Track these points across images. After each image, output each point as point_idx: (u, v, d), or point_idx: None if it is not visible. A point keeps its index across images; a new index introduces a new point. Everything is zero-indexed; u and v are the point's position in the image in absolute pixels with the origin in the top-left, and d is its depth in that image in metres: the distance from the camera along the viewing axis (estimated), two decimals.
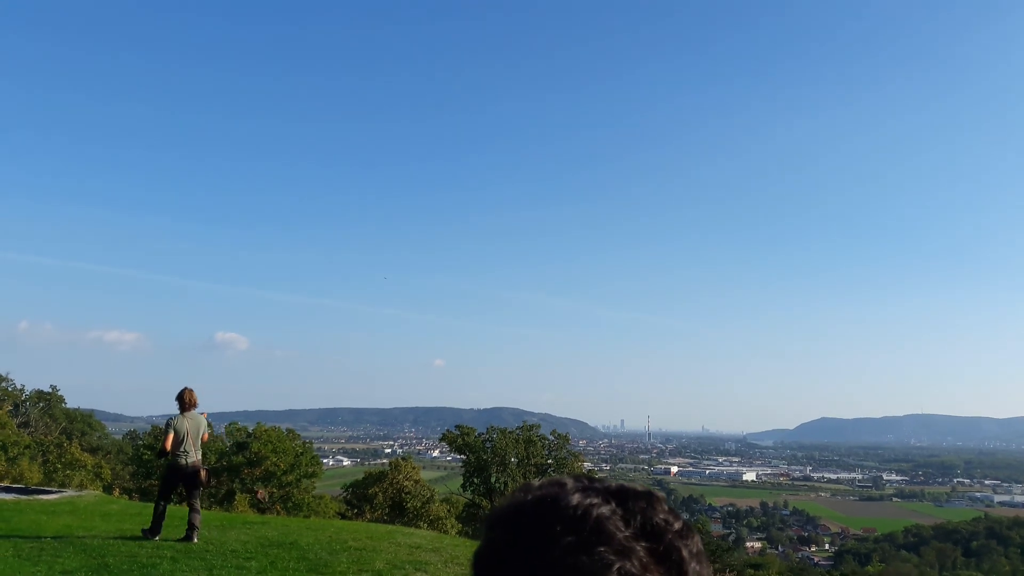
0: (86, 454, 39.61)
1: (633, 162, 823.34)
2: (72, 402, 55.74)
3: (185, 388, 12.87)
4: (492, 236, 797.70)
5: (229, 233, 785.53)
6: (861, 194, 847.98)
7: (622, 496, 1.38)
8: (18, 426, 44.54)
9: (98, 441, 52.46)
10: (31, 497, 17.75)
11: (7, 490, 20.27)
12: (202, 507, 13.36)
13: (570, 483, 1.38)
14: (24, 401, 49.92)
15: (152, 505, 13.51)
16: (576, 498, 1.38)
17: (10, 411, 45.91)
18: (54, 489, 21.95)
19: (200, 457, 12.86)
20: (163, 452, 12.92)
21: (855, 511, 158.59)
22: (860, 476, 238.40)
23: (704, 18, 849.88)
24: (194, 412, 12.85)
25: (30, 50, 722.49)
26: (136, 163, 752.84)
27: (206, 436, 13.24)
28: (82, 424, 52.96)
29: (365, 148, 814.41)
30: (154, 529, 12.61)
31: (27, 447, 38.45)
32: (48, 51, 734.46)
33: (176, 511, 14.39)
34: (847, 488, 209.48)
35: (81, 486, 29.44)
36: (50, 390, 51.63)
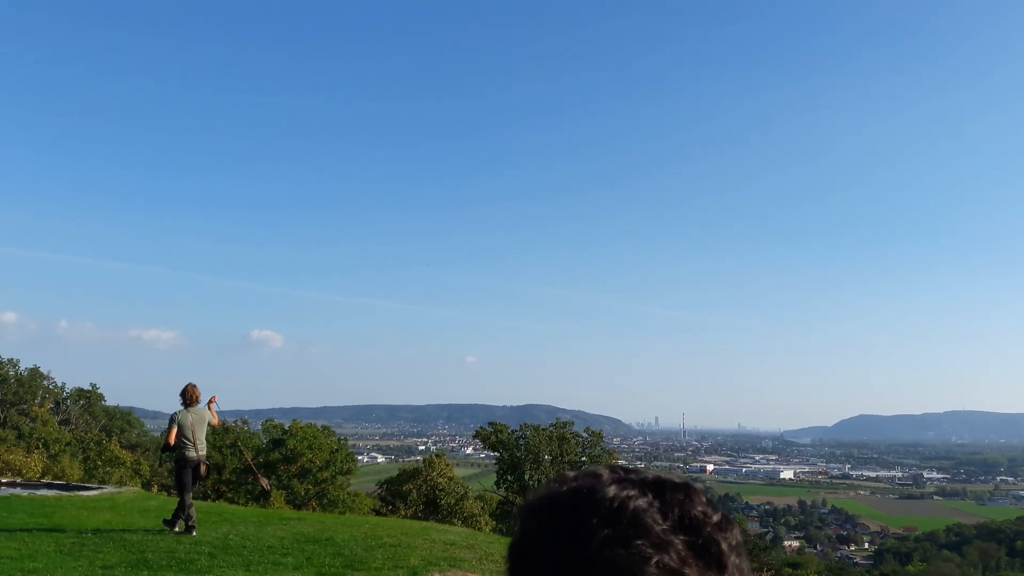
0: (125, 451, 40.26)
1: (664, 153, 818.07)
2: (111, 400, 56.74)
3: (188, 384, 13.33)
4: (524, 230, 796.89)
5: (263, 232, 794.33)
6: (899, 183, 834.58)
7: (659, 488, 1.35)
8: (59, 423, 45.44)
9: (137, 438, 53.28)
10: (72, 493, 18.05)
11: (49, 486, 20.67)
12: (241, 503, 13.57)
13: (606, 474, 1.35)
14: (65, 399, 50.88)
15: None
16: (612, 490, 1.34)
17: (51, 409, 46.86)
18: (94, 485, 22.33)
19: (204, 451, 13.26)
20: (167, 446, 13.36)
21: (895, 510, 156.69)
22: (900, 474, 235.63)
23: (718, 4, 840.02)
24: (198, 406, 13.28)
25: (43, 28, 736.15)
26: (171, 163, 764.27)
27: (215, 421, 13.76)
28: (121, 421, 53.83)
29: (396, 144, 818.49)
30: (188, 527, 12.83)
31: (68, 444, 39.24)
32: (68, 34, 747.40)
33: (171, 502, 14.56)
34: (887, 486, 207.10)
35: (120, 482, 29.91)
36: (90, 388, 52.54)
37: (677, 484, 1.35)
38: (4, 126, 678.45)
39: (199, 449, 12.98)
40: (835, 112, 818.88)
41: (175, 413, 13.16)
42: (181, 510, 12.95)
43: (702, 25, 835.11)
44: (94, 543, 11.62)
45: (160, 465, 35.95)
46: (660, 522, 1.35)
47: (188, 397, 13.13)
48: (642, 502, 1.34)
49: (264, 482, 13.76)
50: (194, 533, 12.65)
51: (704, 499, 1.35)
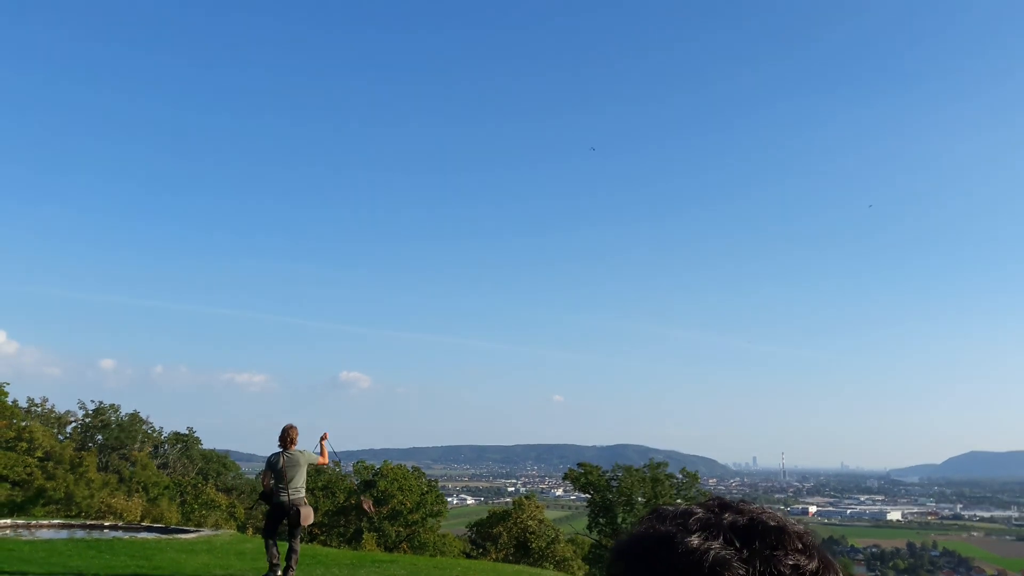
0: (220, 494, 41.03)
1: (745, 181, 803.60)
2: (208, 443, 57.94)
3: (286, 424, 12.94)
4: (608, 265, 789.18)
5: (347, 273, 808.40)
6: (995, 201, 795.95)
7: (749, 535, 1.31)
8: (158, 467, 46.74)
9: (232, 481, 54.29)
10: (171, 536, 18.27)
11: (148, 529, 21.06)
12: (333, 546, 13.25)
13: (697, 515, 1.33)
14: (163, 443, 52.34)
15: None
16: (696, 540, 1.32)
17: (150, 453, 48.27)
18: (192, 528, 22.61)
19: (303, 495, 12.79)
20: (264, 492, 13.09)
21: (1013, 552, 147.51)
22: (1017, 514, 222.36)
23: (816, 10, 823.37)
24: (294, 449, 12.82)
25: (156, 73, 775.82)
26: (257, 212, 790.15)
27: (320, 460, 13.26)
28: (217, 465, 54.98)
29: (483, 182, 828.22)
30: (271, 567, 12.53)
31: (166, 488, 40.22)
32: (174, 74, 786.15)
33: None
34: (1002, 527, 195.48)
35: (216, 525, 30.31)
36: (187, 432, 53.91)
37: (770, 528, 1.30)
38: (103, 177, 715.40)
39: (290, 494, 12.54)
40: (942, 126, 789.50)
41: (269, 456, 12.97)
42: (286, 556, 12.67)
43: (789, 42, 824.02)
44: None
45: (251, 509, 36.33)
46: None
47: (282, 439, 12.85)
48: (725, 553, 1.30)
49: (368, 505, 13.48)
50: (278, 573, 12.37)
51: (800, 544, 1.29)
